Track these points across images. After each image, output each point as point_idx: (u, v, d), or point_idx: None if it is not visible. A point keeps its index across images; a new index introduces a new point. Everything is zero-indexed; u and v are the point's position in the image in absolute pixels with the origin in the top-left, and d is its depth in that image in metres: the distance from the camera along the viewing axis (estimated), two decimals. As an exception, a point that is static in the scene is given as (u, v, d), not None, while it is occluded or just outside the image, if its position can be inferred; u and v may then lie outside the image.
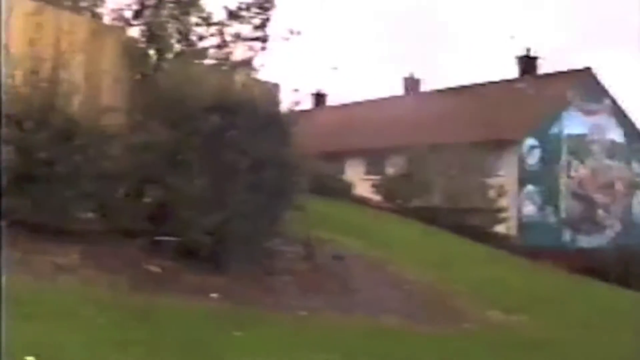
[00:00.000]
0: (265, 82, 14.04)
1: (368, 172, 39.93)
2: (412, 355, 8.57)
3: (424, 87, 47.06)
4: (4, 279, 7.01)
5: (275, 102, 12.01)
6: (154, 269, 10.22)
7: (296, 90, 12.46)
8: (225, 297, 9.75)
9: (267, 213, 11.24)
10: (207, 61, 14.78)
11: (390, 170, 36.53)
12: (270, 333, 8.30)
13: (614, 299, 18.01)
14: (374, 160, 40.72)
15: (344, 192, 28.85)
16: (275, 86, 14.78)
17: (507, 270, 17.91)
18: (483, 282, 14.97)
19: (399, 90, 47.96)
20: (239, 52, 14.99)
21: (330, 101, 53.68)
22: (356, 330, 9.45)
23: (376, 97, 47.91)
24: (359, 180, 36.19)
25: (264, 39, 15.26)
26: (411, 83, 47.29)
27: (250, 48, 15.23)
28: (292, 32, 15.23)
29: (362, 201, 29.97)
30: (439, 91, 44.14)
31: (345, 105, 49.45)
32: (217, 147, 10.66)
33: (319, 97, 53.89)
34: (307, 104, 53.94)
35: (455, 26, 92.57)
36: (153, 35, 13.80)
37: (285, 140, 11.57)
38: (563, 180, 37.45)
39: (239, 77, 12.97)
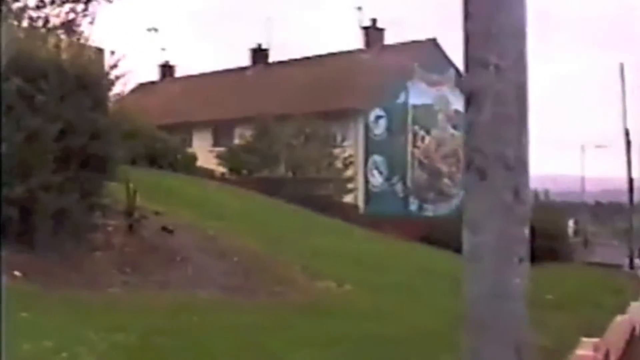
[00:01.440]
0: (86, 46, 13.14)
1: (216, 144, 39.27)
2: (217, 330, 8.05)
3: (272, 58, 46.59)
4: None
5: (90, 66, 11.14)
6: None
7: (113, 52, 11.70)
8: (29, 275, 8.99)
9: (80, 184, 10.44)
10: (24, 22, 13.82)
11: (237, 142, 36.02)
12: (65, 312, 7.63)
13: (452, 266, 18.03)
14: (221, 132, 40.07)
15: (186, 164, 28.13)
16: (99, 51, 13.91)
17: (346, 241, 17.69)
18: (318, 253, 14.65)
19: (246, 61, 47.35)
20: (58, 13, 14.08)
21: (179, 72, 52.62)
22: (168, 306, 8.87)
23: (224, 68, 47.20)
24: (206, 152, 35.50)
25: (86, 0, 14.40)
26: (259, 54, 46.67)
27: (72, 10, 14.35)
28: (115, -7, 14.43)
29: (206, 173, 29.34)
30: (286, 62, 43.78)
31: (193, 76, 48.51)
32: (22, 113, 9.80)
33: (167, 69, 52.66)
34: (154, 75, 52.77)
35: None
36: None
37: (99, 107, 10.77)
38: (409, 150, 37.74)
39: (52, 39, 12.08)
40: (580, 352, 5.36)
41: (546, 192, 39.53)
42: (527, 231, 3.53)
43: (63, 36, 13.28)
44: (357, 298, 11.30)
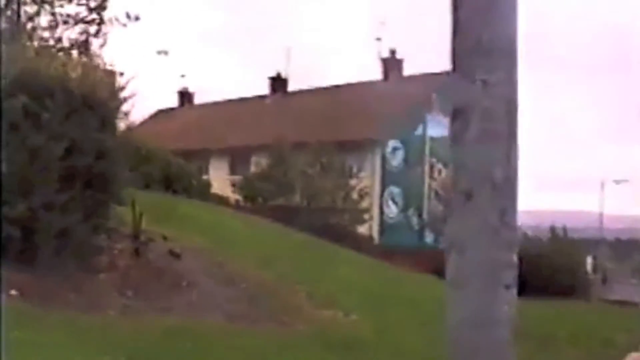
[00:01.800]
0: (95, 67, 13.08)
1: (232, 172, 39.24)
2: (210, 355, 7.87)
3: (291, 87, 46.62)
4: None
5: (98, 87, 11.03)
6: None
7: (122, 73, 11.63)
8: (27, 294, 8.84)
9: (84, 204, 10.32)
10: (37, 42, 13.82)
11: (253, 170, 35.99)
12: (56, 333, 7.47)
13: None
14: (238, 159, 40.06)
15: (201, 190, 28.06)
16: (111, 73, 13.87)
17: (358, 271, 17.46)
18: (328, 282, 14.43)
19: (265, 87, 47.42)
20: (70, 34, 14.08)
21: (198, 97, 52.78)
22: (165, 330, 8.68)
23: (242, 97, 47.25)
24: (223, 179, 35.48)
25: (99, 22, 14.38)
26: (278, 83, 46.69)
27: (85, 31, 14.35)
28: (129, 17, 14.39)
29: (221, 200, 29.28)
30: (305, 91, 43.78)
31: (211, 104, 48.60)
32: (26, 131, 9.71)
33: (186, 95, 52.80)
34: (174, 101, 52.97)
35: (321, 25, 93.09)
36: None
37: (106, 127, 10.67)
38: (426, 182, 37.53)
39: (61, 58, 12.03)
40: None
41: (564, 228, 39.13)
42: (515, 257, 3.32)
43: (74, 56, 13.22)
44: (362, 328, 11.09)
